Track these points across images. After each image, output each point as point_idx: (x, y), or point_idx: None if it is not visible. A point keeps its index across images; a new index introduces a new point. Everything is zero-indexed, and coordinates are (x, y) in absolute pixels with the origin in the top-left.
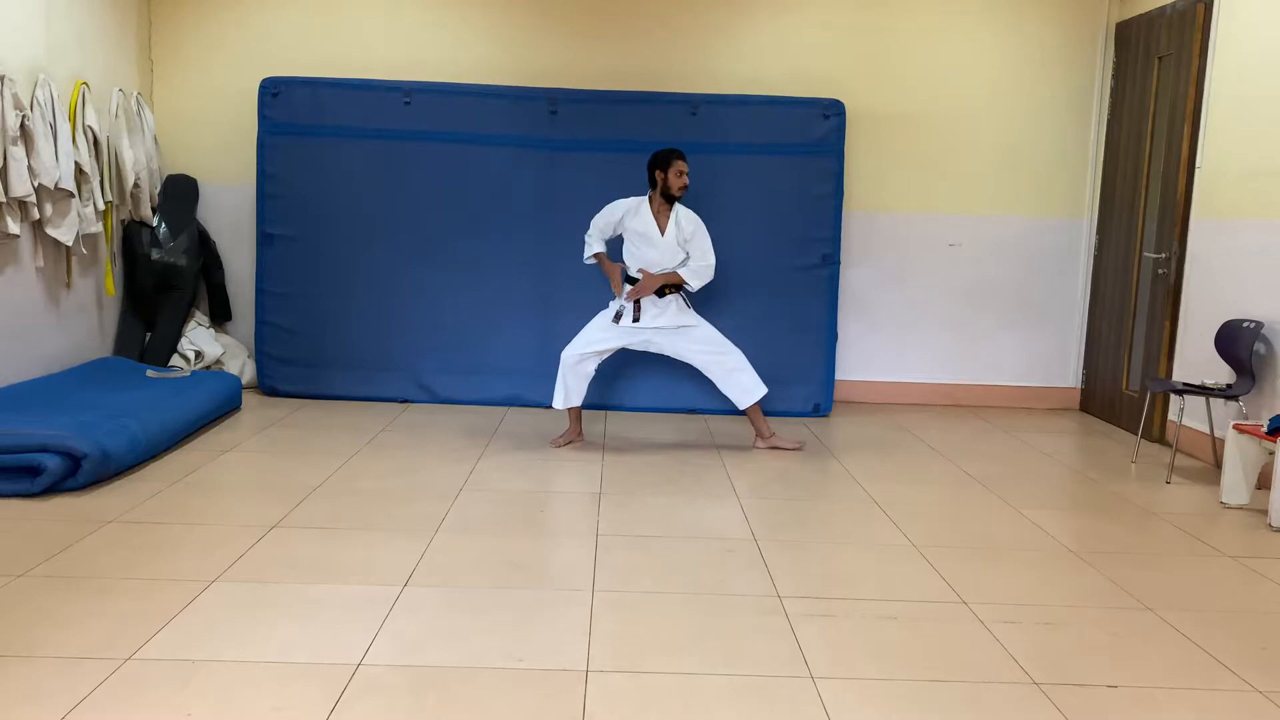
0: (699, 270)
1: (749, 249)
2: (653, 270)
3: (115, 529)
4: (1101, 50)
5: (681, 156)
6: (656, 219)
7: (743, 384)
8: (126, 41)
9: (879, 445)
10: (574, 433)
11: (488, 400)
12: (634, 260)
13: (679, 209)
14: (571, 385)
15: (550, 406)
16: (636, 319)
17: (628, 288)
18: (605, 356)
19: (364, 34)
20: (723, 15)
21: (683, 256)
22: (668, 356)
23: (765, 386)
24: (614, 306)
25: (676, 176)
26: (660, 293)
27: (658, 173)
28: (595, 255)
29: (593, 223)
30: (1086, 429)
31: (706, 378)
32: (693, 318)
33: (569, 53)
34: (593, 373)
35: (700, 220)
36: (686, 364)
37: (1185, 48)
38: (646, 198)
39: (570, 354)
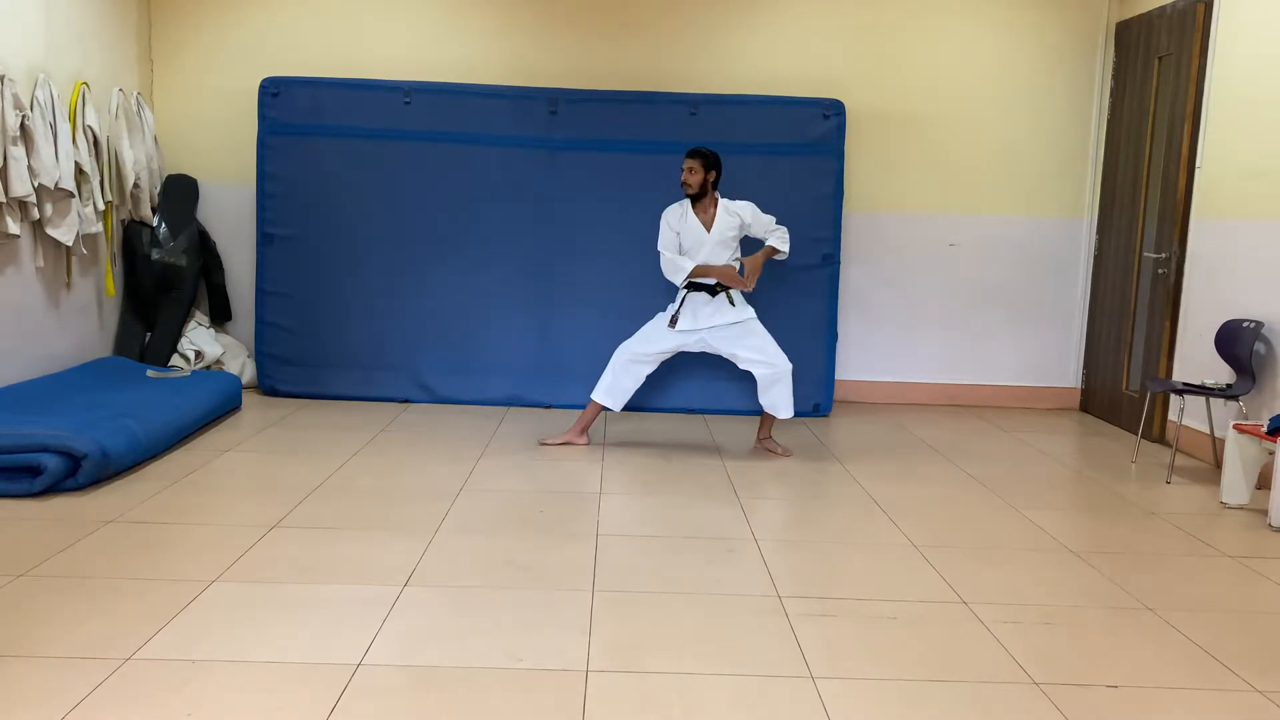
0: (781, 237)
1: (749, 249)
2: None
3: (115, 529)
4: (1101, 50)
5: (688, 154)
6: (700, 218)
7: (776, 398)
8: (126, 41)
9: (879, 445)
10: (577, 434)
11: (488, 400)
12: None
13: (724, 203)
14: (619, 385)
15: (550, 406)
16: (674, 321)
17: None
18: (662, 359)
19: (364, 34)
20: (722, 15)
21: (731, 251)
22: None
23: (793, 410)
24: (670, 310)
25: (681, 174)
26: (712, 291)
27: None
28: (703, 269)
29: (664, 244)
30: (1086, 429)
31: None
32: (748, 310)
33: (569, 53)
34: (643, 379)
35: (750, 204)
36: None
37: (1185, 48)
38: (686, 200)
39: (626, 351)
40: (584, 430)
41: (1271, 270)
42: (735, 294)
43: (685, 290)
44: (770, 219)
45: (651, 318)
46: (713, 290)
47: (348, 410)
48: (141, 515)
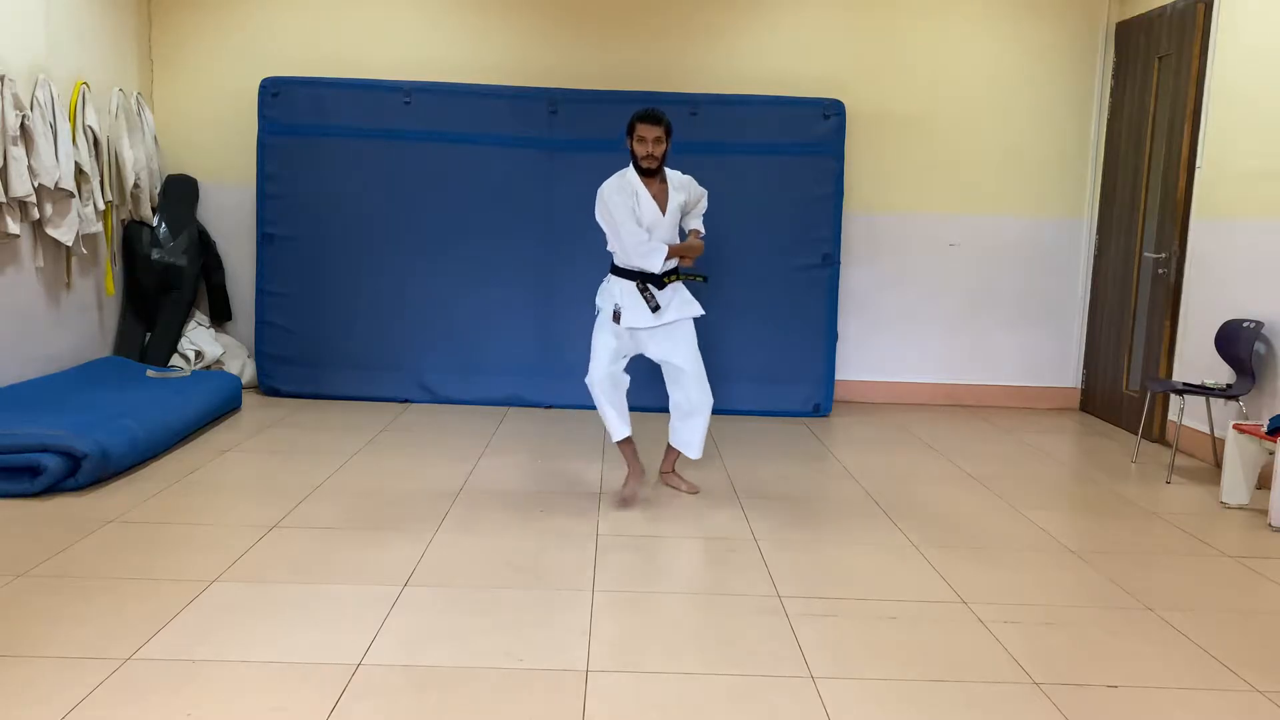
0: (700, 215)
1: (749, 249)
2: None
3: (115, 529)
4: (1101, 50)
5: (646, 118)
6: (653, 193)
7: (691, 434)
8: (126, 41)
9: (879, 445)
10: (637, 473)
11: (488, 400)
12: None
13: (673, 176)
14: (618, 404)
15: (550, 406)
16: (656, 306)
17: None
18: (629, 358)
19: (364, 34)
20: (723, 15)
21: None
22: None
23: (702, 451)
24: (609, 308)
25: (639, 144)
26: (659, 283)
27: (627, 140)
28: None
29: (630, 227)
30: (1086, 429)
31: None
32: (696, 308)
33: (569, 53)
34: (628, 381)
35: (693, 180)
36: None
37: (1185, 48)
38: (631, 172)
39: (600, 375)
40: (639, 465)
41: (1271, 270)
42: (685, 284)
43: (626, 279)
44: (703, 194)
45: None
46: (659, 282)
47: (348, 410)
48: (141, 515)
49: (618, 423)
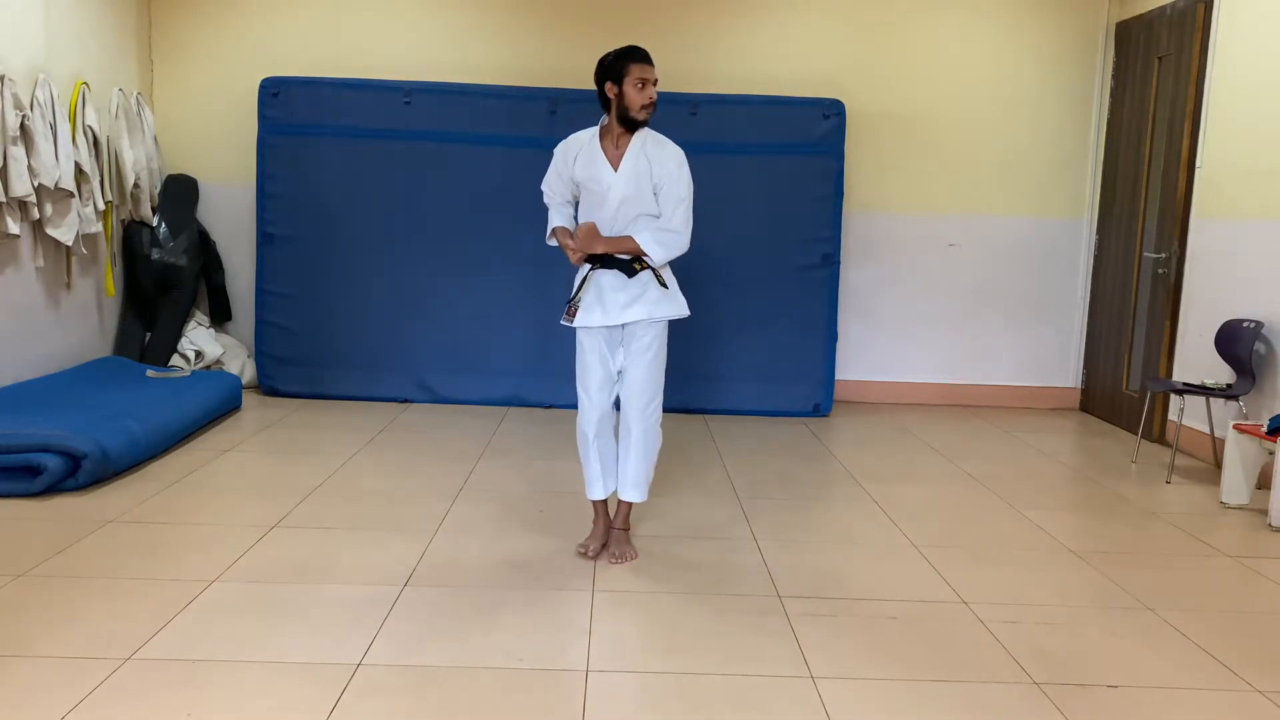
0: (661, 237)
1: (749, 249)
2: (602, 228)
3: (115, 529)
4: (1101, 50)
5: (642, 58)
6: (608, 156)
7: (628, 469)
8: (126, 41)
9: (879, 445)
10: (602, 529)
11: (488, 400)
12: (585, 219)
13: (648, 137)
14: (607, 458)
15: (550, 406)
16: (573, 308)
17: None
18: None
19: (364, 34)
20: (723, 15)
21: (644, 209)
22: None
23: (645, 493)
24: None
25: (636, 90)
26: (629, 270)
27: (609, 86)
28: (555, 232)
29: (546, 182)
30: (1086, 429)
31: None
32: (676, 307)
33: (569, 53)
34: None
35: (683, 157)
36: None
37: (1185, 48)
38: (599, 130)
39: (593, 418)
40: (606, 529)
41: (1272, 270)
42: (667, 275)
43: (589, 266)
44: (679, 197)
45: None
46: (629, 267)
47: (348, 410)
48: (141, 515)
49: (599, 479)
